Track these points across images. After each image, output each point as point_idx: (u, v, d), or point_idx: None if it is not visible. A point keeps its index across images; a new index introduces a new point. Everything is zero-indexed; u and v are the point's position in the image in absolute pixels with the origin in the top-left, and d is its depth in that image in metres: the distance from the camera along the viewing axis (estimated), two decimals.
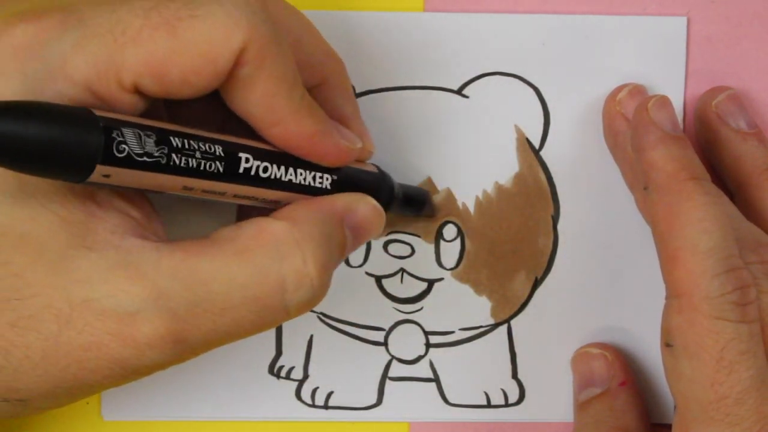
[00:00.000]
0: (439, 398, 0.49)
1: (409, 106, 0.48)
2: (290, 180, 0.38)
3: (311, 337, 0.49)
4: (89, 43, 0.34)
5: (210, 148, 0.35)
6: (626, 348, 0.48)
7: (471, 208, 0.48)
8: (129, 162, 0.33)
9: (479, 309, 0.48)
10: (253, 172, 0.37)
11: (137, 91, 0.35)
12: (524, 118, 0.48)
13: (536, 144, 0.48)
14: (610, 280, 0.48)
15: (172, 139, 0.34)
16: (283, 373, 0.49)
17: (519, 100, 0.48)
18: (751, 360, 0.39)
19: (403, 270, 0.48)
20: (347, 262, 0.48)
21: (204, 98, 0.37)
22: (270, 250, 0.36)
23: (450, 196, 0.48)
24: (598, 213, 0.48)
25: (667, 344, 0.41)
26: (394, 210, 0.44)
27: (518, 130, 0.48)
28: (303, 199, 0.39)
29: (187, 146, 0.34)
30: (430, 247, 0.48)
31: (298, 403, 0.49)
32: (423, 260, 0.48)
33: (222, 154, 0.36)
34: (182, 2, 0.34)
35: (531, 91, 0.48)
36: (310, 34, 0.42)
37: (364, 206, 0.41)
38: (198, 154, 0.35)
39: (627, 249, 0.48)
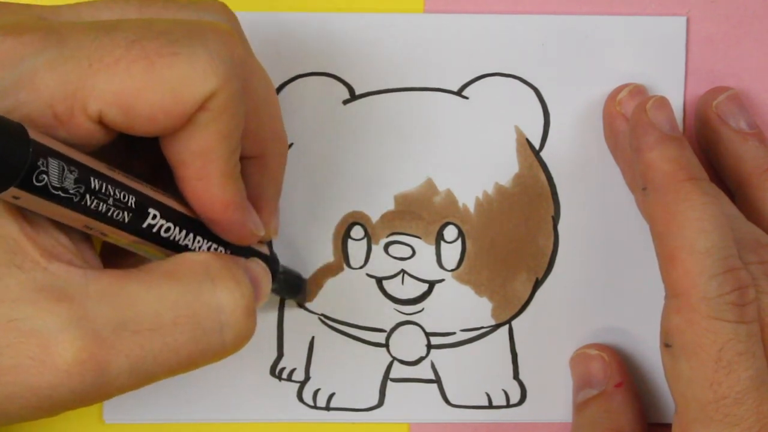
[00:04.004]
0: (441, 399, 0.49)
1: (409, 108, 0.48)
2: (186, 245, 0.38)
3: (312, 338, 0.49)
4: (63, 64, 0.33)
5: (124, 197, 0.35)
6: (627, 348, 0.48)
7: (471, 208, 0.48)
8: (43, 192, 0.32)
9: (480, 310, 0.48)
10: (155, 230, 0.37)
11: (101, 121, 0.34)
12: (524, 118, 0.48)
13: (536, 144, 0.48)
14: (611, 280, 0.48)
15: (92, 180, 0.34)
16: (284, 375, 0.49)
17: (519, 100, 0.48)
18: (749, 360, 0.39)
19: (403, 271, 0.48)
20: (348, 264, 0.48)
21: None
22: (201, 273, 0.36)
23: (450, 197, 0.48)
24: (598, 213, 0.48)
25: (666, 344, 0.41)
26: (273, 288, 0.45)
27: (518, 131, 0.48)
28: None
29: (103, 190, 0.34)
30: (431, 249, 0.48)
31: (300, 404, 0.49)
32: (424, 261, 0.48)
33: (132, 206, 0.36)
34: (167, 39, 0.34)
35: (531, 91, 0.48)
36: (271, 106, 0.41)
37: (257, 267, 0.41)
38: (110, 200, 0.35)
39: (627, 249, 0.48)
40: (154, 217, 0.37)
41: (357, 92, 0.48)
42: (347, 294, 0.48)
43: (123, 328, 0.34)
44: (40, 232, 0.34)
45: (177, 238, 0.38)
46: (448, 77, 0.48)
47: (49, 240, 0.34)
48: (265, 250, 0.43)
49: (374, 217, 0.48)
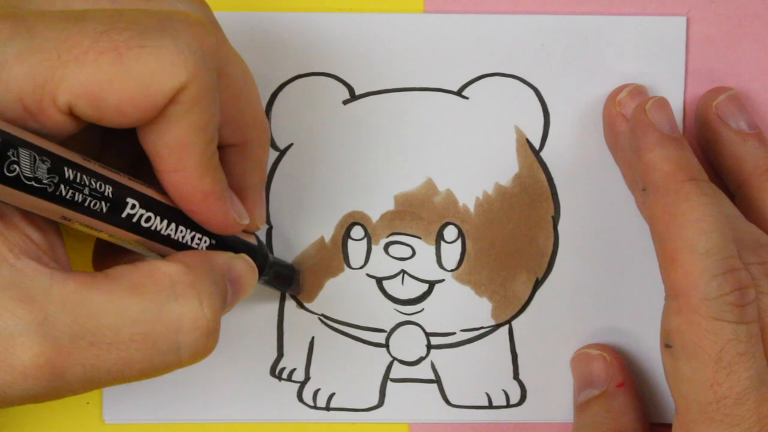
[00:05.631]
0: (441, 399, 0.49)
1: (409, 108, 0.48)
2: (169, 235, 0.38)
3: (312, 339, 0.49)
4: (32, 56, 0.33)
5: (100, 187, 0.35)
6: (627, 348, 0.48)
7: (471, 208, 0.48)
8: (15, 182, 0.32)
9: (480, 310, 0.48)
10: (134, 219, 0.37)
11: (70, 112, 0.34)
12: (524, 118, 0.48)
13: (536, 144, 0.48)
14: (612, 280, 0.48)
15: (65, 169, 0.34)
16: (284, 375, 0.49)
17: (519, 100, 0.48)
18: (750, 361, 0.39)
19: (404, 271, 0.48)
20: (348, 264, 0.48)
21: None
22: (165, 289, 0.36)
23: (450, 197, 0.48)
24: (598, 213, 0.48)
25: (666, 345, 0.41)
26: (263, 280, 0.45)
27: (518, 131, 0.48)
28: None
29: (78, 180, 0.34)
30: (431, 249, 0.48)
31: (300, 404, 0.49)
32: (424, 262, 0.48)
33: (110, 195, 0.35)
34: (136, 31, 0.34)
35: (531, 91, 0.48)
36: (249, 93, 0.41)
37: (241, 263, 0.40)
38: (86, 190, 0.34)
39: (627, 249, 0.48)
40: (133, 206, 0.37)
41: (357, 92, 0.48)
42: (347, 294, 0.48)
43: (81, 337, 0.34)
44: (10, 227, 0.34)
45: (159, 228, 0.38)
46: (448, 77, 0.48)
47: (19, 236, 0.34)
48: (252, 240, 0.43)
49: (374, 217, 0.48)
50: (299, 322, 0.49)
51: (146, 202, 0.37)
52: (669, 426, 0.42)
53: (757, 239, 0.42)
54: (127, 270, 0.36)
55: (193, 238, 0.39)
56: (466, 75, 0.48)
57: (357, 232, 0.48)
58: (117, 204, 0.36)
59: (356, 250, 0.48)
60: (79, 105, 0.34)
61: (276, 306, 0.48)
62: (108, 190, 0.35)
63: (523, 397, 0.49)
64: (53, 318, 0.33)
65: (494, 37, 0.48)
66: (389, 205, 0.48)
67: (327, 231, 0.48)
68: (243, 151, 0.42)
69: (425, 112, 0.48)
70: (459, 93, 0.48)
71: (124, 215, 0.36)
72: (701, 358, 0.39)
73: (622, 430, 0.45)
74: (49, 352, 0.33)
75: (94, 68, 0.33)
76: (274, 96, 0.48)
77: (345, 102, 0.48)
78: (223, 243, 0.41)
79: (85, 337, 0.34)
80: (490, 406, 0.49)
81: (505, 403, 0.49)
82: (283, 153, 0.48)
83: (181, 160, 0.37)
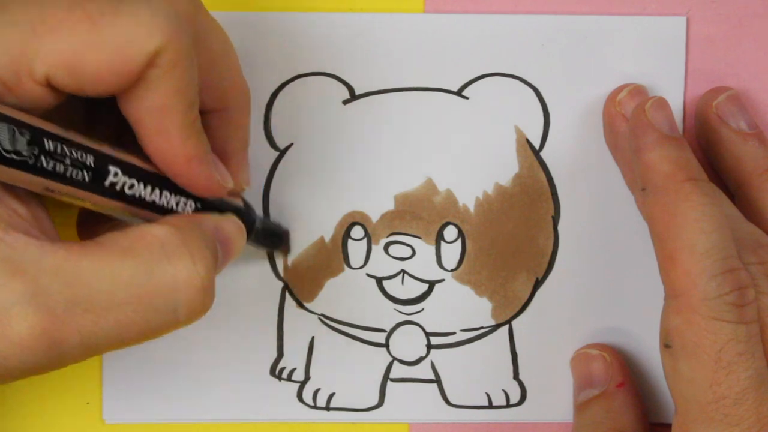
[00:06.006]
0: (441, 399, 0.49)
1: (409, 108, 0.48)
2: (153, 201, 0.38)
3: (312, 338, 0.49)
4: (6, 30, 0.34)
5: (81, 156, 0.35)
6: (627, 348, 0.48)
7: (471, 208, 0.48)
8: None
9: (480, 310, 0.48)
10: (118, 187, 0.37)
11: (49, 84, 0.34)
12: (524, 118, 0.48)
13: (536, 144, 0.48)
14: (612, 280, 0.48)
15: (45, 141, 0.34)
16: (284, 375, 0.49)
17: (519, 100, 0.48)
18: (749, 361, 0.39)
19: (404, 271, 0.48)
20: (348, 264, 0.48)
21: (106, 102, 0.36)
22: (156, 250, 0.36)
23: (450, 197, 0.48)
24: (598, 213, 0.48)
25: (665, 345, 0.41)
26: (252, 241, 0.45)
27: (518, 131, 0.48)
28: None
29: (59, 150, 0.34)
30: (431, 249, 0.48)
31: (300, 404, 0.49)
32: (424, 261, 0.48)
33: (91, 164, 0.36)
34: None
35: (531, 91, 0.48)
36: (228, 58, 0.41)
37: (229, 224, 0.41)
38: (68, 160, 0.35)
39: (627, 249, 0.48)
40: (116, 174, 0.37)
41: (357, 92, 0.48)
42: (347, 294, 0.48)
43: (76, 305, 0.34)
44: None
45: (143, 195, 0.38)
46: (448, 77, 0.48)
47: (4, 210, 0.35)
48: (239, 202, 0.43)
49: (374, 217, 0.48)
50: (299, 322, 0.49)
51: (129, 170, 0.37)
52: (669, 426, 0.42)
53: (757, 239, 0.42)
54: (116, 236, 0.36)
55: (178, 203, 0.40)
56: (466, 75, 0.48)
57: (357, 232, 0.48)
58: (99, 173, 0.36)
59: (356, 250, 0.48)
60: (57, 75, 0.34)
61: (276, 306, 0.48)
62: (89, 160, 0.36)
63: (523, 397, 0.49)
64: (46, 288, 0.33)
65: (494, 37, 0.48)
66: (389, 205, 0.48)
67: (327, 231, 0.48)
68: (225, 116, 0.42)
69: (425, 112, 0.48)
70: (459, 93, 0.48)
71: (107, 183, 0.36)
72: (700, 358, 0.39)
73: (622, 430, 0.45)
74: (45, 321, 0.33)
75: (70, 38, 0.34)
76: (274, 96, 0.48)
77: (345, 102, 0.48)
78: (209, 206, 0.41)
79: (80, 304, 0.34)
80: (490, 406, 0.49)
81: (505, 403, 0.49)
82: (283, 153, 0.48)
83: (162, 123, 0.37)
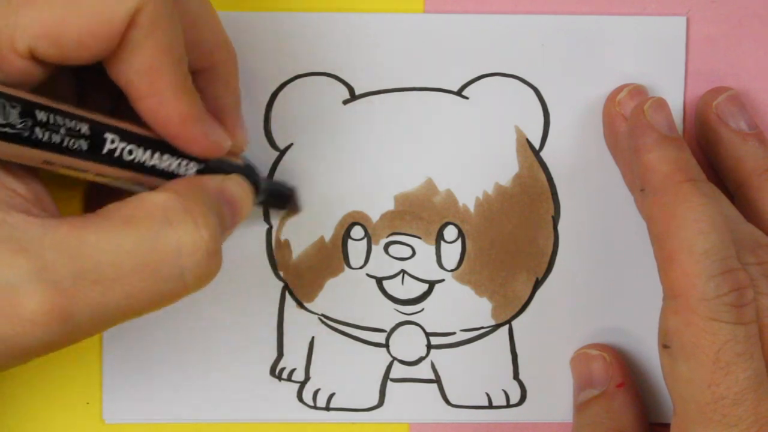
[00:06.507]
0: (441, 399, 0.49)
1: (410, 108, 0.48)
2: (154, 165, 0.38)
3: (312, 338, 0.49)
4: None
5: (76, 126, 0.35)
6: (627, 348, 0.48)
7: (471, 208, 0.48)
8: None
9: (480, 310, 0.48)
10: (117, 154, 0.37)
11: (32, 56, 0.34)
12: (524, 118, 0.48)
13: (536, 144, 0.48)
14: (612, 280, 0.48)
15: (37, 112, 0.34)
16: (284, 375, 0.49)
17: (519, 100, 0.48)
18: (747, 361, 0.39)
19: (404, 271, 0.48)
20: (348, 264, 0.48)
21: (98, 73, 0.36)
22: (158, 218, 0.36)
23: (450, 197, 0.48)
24: (598, 213, 0.48)
25: (664, 345, 0.41)
26: (260, 200, 0.45)
27: (518, 131, 0.48)
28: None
29: (52, 121, 0.34)
30: (431, 249, 0.48)
31: (300, 404, 0.49)
32: (424, 261, 0.48)
33: (87, 133, 0.36)
34: None
35: (531, 91, 0.48)
36: (208, 16, 0.41)
37: (234, 183, 0.41)
38: (62, 131, 0.35)
39: (627, 249, 0.48)
40: (113, 141, 0.37)
41: (357, 92, 0.48)
42: (347, 294, 0.48)
43: (83, 278, 0.34)
44: None
45: (143, 160, 0.38)
46: (448, 77, 0.48)
47: (3, 191, 0.35)
48: (240, 162, 0.43)
49: (374, 217, 0.48)
50: (299, 322, 0.49)
51: (125, 136, 0.37)
52: (668, 426, 0.42)
53: (756, 240, 0.42)
54: (116, 206, 0.36)
55: (179, 165, 0.39)
56: (466, 75, 0.48)
57: (357, 232, 0.48)
58: (96, 140, 0.36)
59: (356, 250, 0.48)
60: (39, 46, 0.34)
61: (276, 306, 0.48)
62: (84, 128, 0.36)
63: (523, 397, 0.49)
64: (52, 263, 0.33)
65: (494, 37, 0.48)
66: (389, 205, 0.48)
67: (327, 231, 0.48)
68: (212, 75, 0.42)
69: (425, 112, 0.48)
70: (459, 93, 0.48)
71: (105, 151, 0.36)
72: (699, 359, 0.39)
73: (621, 430, 0.45)
74: (54, 296, 0.33)
75: (47, 7, 0.34)
76: (274, 96, 0.48)
77: (345, 102, 0.48)
78: (210, 168, 0.41)
79: (87, 277, 0.34)
80: (490, 406, 0.49)
81: (505, 403, 0.49)
82: (283, 153, 0.48)
83: (153, 83, 0.37)
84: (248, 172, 0.43)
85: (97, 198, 0.41)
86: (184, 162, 0.40)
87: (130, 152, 0.37)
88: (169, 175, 0.39)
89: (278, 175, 0.48)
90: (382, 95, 0.48)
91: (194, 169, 0.40)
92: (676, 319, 0.40)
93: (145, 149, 0.38)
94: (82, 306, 0.34)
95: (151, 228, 0.35)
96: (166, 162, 0.39)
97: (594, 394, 0.47)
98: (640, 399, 0.47)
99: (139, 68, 0.36)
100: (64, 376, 0.48)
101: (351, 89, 0.48)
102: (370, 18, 0.48)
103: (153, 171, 0.38)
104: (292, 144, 0.48)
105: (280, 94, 0.48)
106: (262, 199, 0.45)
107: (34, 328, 0.33)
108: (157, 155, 0.38)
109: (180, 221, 0.36)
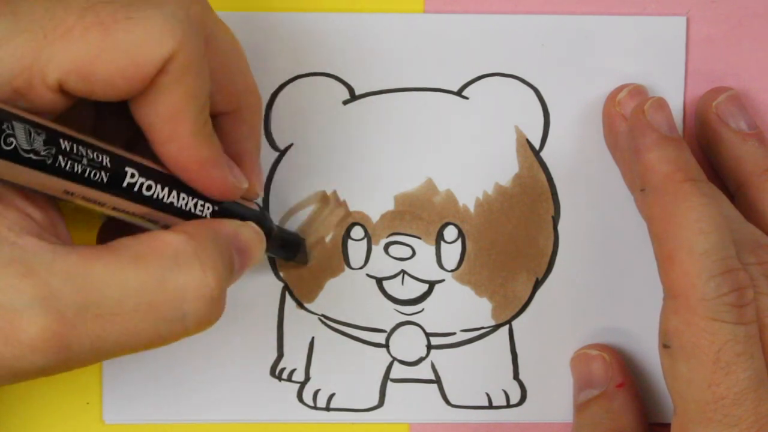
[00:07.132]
0: (441, 399, 0.49)
1: (409, 108, 0.48)
2: (172, 203, 0.39)
3: (312, 339, 0.49)
4: (18, 37, 0.34)
5: (98, 157, 0.35)
6: (627, 348, 0.48)
7: (471, 209, 0.48)
8: (14, 156, 0.32)
9: (480, 310, 0.48)
10: (136, 189, 0.37)
11: (61, 89, 0.35)
12: (524, 118, 0.48)
13: (536, 144, 0.48)
14: (612, 280, 0.48)
15: (61, 141, 0.34)
16: (284, 376, 0.49)
17: (519, 100, 0.48)
18: (748, 361, 0.39)
19: (404, 272, 0.48)
20: (348, 264, 0.48)
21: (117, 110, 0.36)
22: (167, 259, 0.36)
23: (450, 197, 0.48)
24: (598, 213, 0.48)
25: (664, 345, 0.41)
26: (269, 249, 0.45)
27: (518, 131, 0.48)
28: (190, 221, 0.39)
29: (75, 150, 0.34)
30: (431, 249, 0.48)
31: (300, 405, 0.49)
32: (424, 262, 0.48)
33: (108, 165, 0.36)
34: (121, 4, 0.34)
35: (531, 91, 0.48)
36: (238, 60, 0.41)
37: (248, 231, 0.41)
38: (84, 161, 0.35)
39: (627, 249, 0.48)
40: (133, 175, 0.37)
41: (357, 92, 0.48)
42: (347, 294, 0.48)
43: (86, 309, 0.34)
44: (9, 208, 0.34)
45: (161, 196, 0.38)
46: (448, 77, 0.48)
47: (18, 215, 0.35)
48: (255, 208, 0.43)
49: (374, 217, 0.48)
50: (299, 322, 0.49)
51: (145, 171, 0.37)
52: (668, 426, 0.42)
53: (756, 240, 0.42)
54: (129, 241, 0.36)
55: (196, 205, 0.40)
56: (466, 75, 0.48)
57: (357, 232, 0.48)
58: (117, 173, 0.36)
59: (356, 250, 0.48)
60: (69, 81, 0.34)
61: (276, 306, 0.48)
62: (106, 160, 0.36)
63: (523, 397, 0.49)
64: (57, 291, 0.33)
65: (494, 37, 0.48)
66: (389, 205, 0.48)
67: (327, 231, 0.48)
68: (236, 118, 0.42)
69: (425, 112, 0.48)
70: (459, 93, 0.48)
71: (125, 185, 0.37)
72: (699, 359, 0.39)
73: (621, 430, 0.45)
74: (55, 324, 0.33)
75: (82, 44, 0.34)
76: (274, 96, 0.48)
77: (345, 102, 0.48)
78: (226, 210, 0.41)
79: (90, 309, 0.34)
80: (490, 406, 0.49)
81: (505, 403, 0.49)
82: (283, 153, 0.48)
83: (174, 129, 0.37)
84: (261, 217, 0.43)
85: (110, 230, 0.41)
86: (201, 202, 0.40)
87: (149, 188, 0.37)
88: (185, 214, 0.39)
89: (278, 175, 0.48)
90: (382, 95, 0.48)
91: (210, 210, 0.40)
92: (677, 319, 0.40)
93: (163, 186, 0.38)
94: (82, 337, 0.34)
95: (158, 269, 0.35)
96: (183, 200, 0.39)
97: (594, 395, 0.47)
98: (640, 399, 0.47)
99: (162, 113, 0.36)
100: (64, 376, 0.48)
101: (351, 89, 0.48)
102: (370, 18, 0.48)
103: (169, 208, 0.39)
104: (292, 144, 0.48)
105: (280, 94, 0.48)
106: (273, 246, 0.45)
107: (31, 354, 0.33)
108: (174, 193, 0.39)
109: (188, 265, 0.36)
